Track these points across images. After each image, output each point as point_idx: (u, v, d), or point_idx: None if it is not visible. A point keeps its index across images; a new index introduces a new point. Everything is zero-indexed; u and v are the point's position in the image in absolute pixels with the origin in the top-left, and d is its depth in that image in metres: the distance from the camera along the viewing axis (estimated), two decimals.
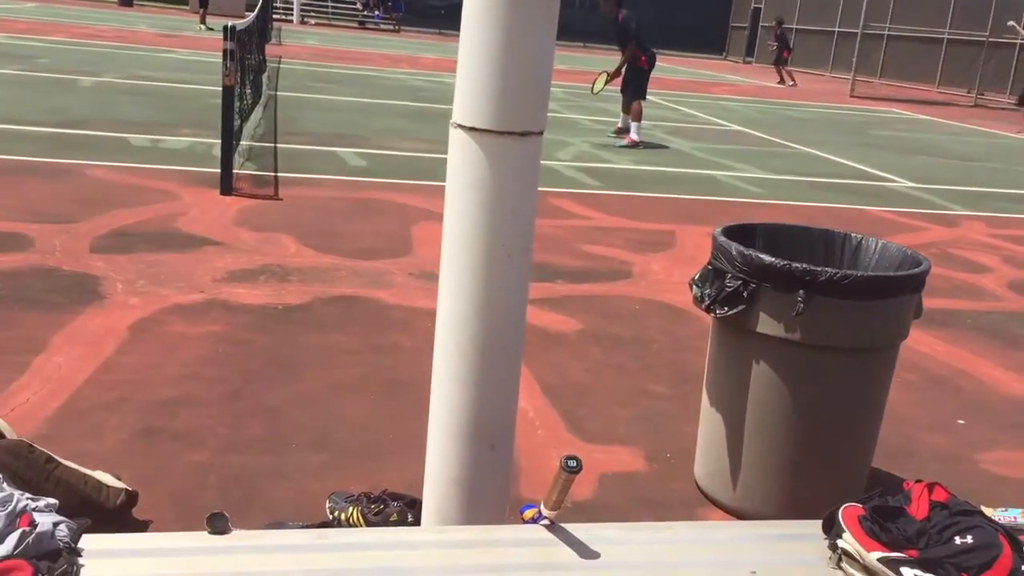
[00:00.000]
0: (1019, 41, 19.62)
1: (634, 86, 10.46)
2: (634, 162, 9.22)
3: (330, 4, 35.55)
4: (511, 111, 2.30)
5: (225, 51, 6.11)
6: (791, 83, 23.59)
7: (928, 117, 17.83)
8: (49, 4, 27.83)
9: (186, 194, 6.05)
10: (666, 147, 10.45)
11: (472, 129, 2.30)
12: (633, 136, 10.19)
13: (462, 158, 2.29)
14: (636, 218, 6.71)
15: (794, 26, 31.99)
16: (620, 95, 10.71)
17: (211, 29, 22.83)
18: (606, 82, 10.20)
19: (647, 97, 10.62)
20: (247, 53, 8.44)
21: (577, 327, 4.28)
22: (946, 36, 24.31)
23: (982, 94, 22.23)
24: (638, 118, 10.28)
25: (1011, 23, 19.82)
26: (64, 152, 6.95)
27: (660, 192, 7.81)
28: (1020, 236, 7.22)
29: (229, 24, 6.27)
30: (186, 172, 6.70)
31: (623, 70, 10.46)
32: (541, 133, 2.45)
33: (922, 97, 22.64)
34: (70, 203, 5.49)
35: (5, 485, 1.71)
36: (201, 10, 24.39)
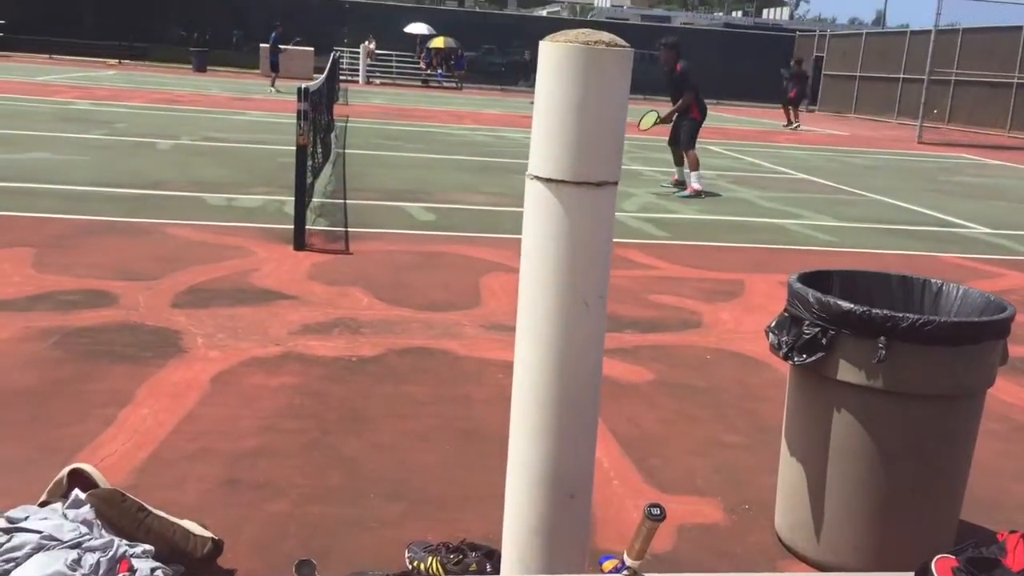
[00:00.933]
0: None
1: (685, 137, 10.48)
2: (699, 211, 9.21)
3: (394, 64, 36.40)
4: (587, 162, 2.34)
5: (299, 112, 6.30)
6: (796, 124, 23.54)
7: (1000, 162, 17.47)
8: (128, 71, 29.02)
9: (260, 250, 6.20)
10: (722, 195, 10.41)
11: (549, 180, 2.34)
12: (695, 185, 10.19)
13: (539, 209, 2.33)
14: (704, 267, 6.68)
15: (857, 73, 31.80)
16: (668, 147, 10.75)
17: (279, 92, 23.55)
18: (655, 123, 10.16)
19: (697, 146, 10.61)
20: (318, 113, 8.68)
21: (649, 377, 4.26)
22: (1015, 80, 23.89)
23: None
24: (696, 167, 10.28)
25: None
26: (145, 212, 7.20)
27: (727, 241, 7.77)
28: None
29: (302, 86, 6.47)
30: (260, 229, 6.89)
31: (673, 120, 10.49)
32: (616, 183, 2.49)
33: (993, 142, 22.23)
34: (152, 261, 5.67)
35: (104, 532, 1.76)
36: (272, 74, 25.15)
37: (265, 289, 5.27)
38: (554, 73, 2.29)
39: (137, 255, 5.81)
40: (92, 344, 4.12)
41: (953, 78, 25.03)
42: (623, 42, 2.35)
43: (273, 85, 24.65)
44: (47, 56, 31.97)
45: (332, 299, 5.18)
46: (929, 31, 23.86)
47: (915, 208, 10.39)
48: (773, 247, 7.65)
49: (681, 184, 10.47)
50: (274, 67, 25.22)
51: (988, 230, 9.12)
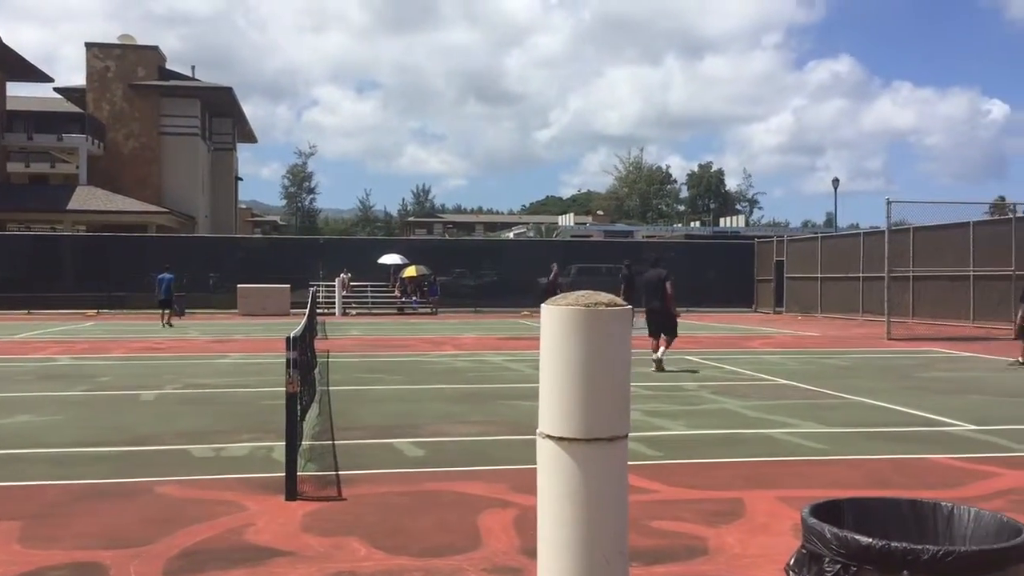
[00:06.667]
0: None
1: None
2: (688, 427, 9.23)
3: (369, 294, 37.20)
4: (598, 419, 2.39)
5: (288, 360, 6.38)
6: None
7: (971, 354, 17.83)
8: (106, 321, 29.39)
9: (252, 503, 6.09)
10: (706, 407, 10.47)
11: (560, 439, 2.38)
12: None
13: (552, 468, 2.35)
14: (700, 487, 6.63)
15: (818, 275, 32.90)
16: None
17: (170, 325, 25.18)
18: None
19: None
20: (303, 355, 8.77)
21: None
22: (972, 273, 24.82)
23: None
24: None
25: None
26: (132, 471, 7.10)
27: (719, 457, 7.75)
28: None
29: (291, 334, 6.59)
30: (250, 479, 6.79)
31: None
32: (627, 436, 2.53)
33: (960, 334, 22.75)
34: (142, 524, 5.54)
35: None
36: (166, 311, 26.01)
37: (260, 546, 5.14)
38: (558, 335, 2.39)
39: (126, 519, 5.68)
40: None
41: (911, 274, 25.96)
42: (621, 301, 2.46)
43: (169, 322, 25.66)
44: (25, 312, 32.39)
45: (329, 552, 5.05)
46: (881, 231, 24.97)
47: (897, 408, 10.48)
48: (766, 459, 7.63)
49: None
50: (168, 304, 26.21)
51: (974, 427, 9.18)
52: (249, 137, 67.14)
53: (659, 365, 14.14)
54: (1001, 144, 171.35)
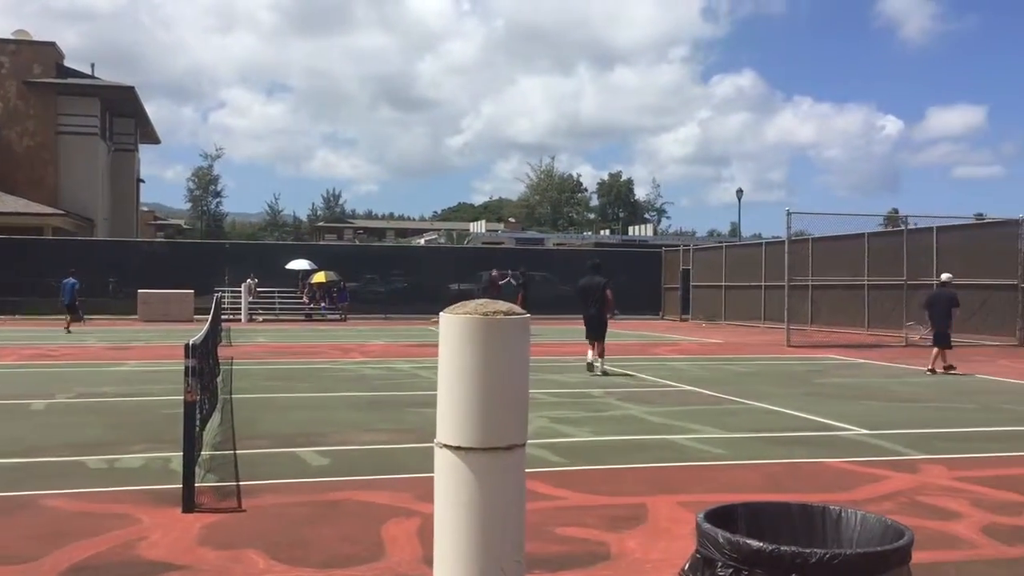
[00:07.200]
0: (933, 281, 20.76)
1: None
2: (593, 434, 9.32)
3: (277, 300, 36.56)
4: (495, 428, 2.39)
5: (186, 368, 6.21)
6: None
7: (865, 361, 18.48)
8: None
9: (146, 516, 5.90)
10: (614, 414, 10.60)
11: (458, 448, 2.37)
12: None
13: (450, 477, 2.34)
14: (604, 493, 6.69)
15: (723, 283, 33.67)
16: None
17: (68, 331, 24.55)
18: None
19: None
20: (204, 363, 8.55)
21: None
22: (866, 282, 25.74)
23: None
24: None
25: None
26: (19, 484, 6.81)
27: (624, 463, 7.84)
28: (982, 477, 7.32)
29: (189, 341, 6.42)
30: (145, 491, 6.58)
31: None
32: (524, 445, 2.53)
33: (854, 341, 23.58)
34: (28, 540, 5.31)
35: None
36: (69, 317, 25.63)
37: (152, 561, 4.97)
38: (456, 343, 2.37)
39: (11, 535, 5.43)
40: None
41: (810, 283, 26.78)
42: (520, 310, 2.47)
43: (68, 328, 25.16)
44: None
45: (225, 566, 4.92)
46: (781, 241, 25.70)
47: (795, 413, 10.79)
48: (669, 465, 7.76)
49: None
50: (73, 310, 25.94)
51: (866, 431, 9.50)
52: (152, 138, 65.23)
53: (598, 369, 15.08)
54: (894, 158, 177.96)
